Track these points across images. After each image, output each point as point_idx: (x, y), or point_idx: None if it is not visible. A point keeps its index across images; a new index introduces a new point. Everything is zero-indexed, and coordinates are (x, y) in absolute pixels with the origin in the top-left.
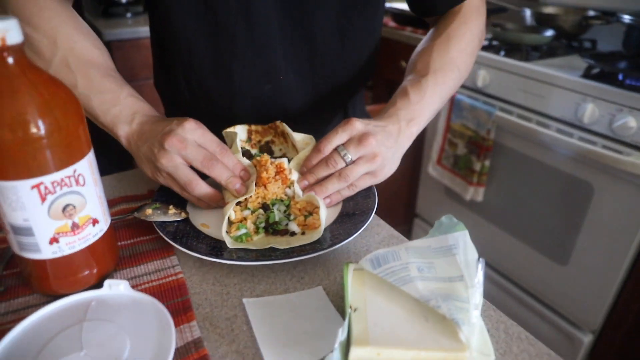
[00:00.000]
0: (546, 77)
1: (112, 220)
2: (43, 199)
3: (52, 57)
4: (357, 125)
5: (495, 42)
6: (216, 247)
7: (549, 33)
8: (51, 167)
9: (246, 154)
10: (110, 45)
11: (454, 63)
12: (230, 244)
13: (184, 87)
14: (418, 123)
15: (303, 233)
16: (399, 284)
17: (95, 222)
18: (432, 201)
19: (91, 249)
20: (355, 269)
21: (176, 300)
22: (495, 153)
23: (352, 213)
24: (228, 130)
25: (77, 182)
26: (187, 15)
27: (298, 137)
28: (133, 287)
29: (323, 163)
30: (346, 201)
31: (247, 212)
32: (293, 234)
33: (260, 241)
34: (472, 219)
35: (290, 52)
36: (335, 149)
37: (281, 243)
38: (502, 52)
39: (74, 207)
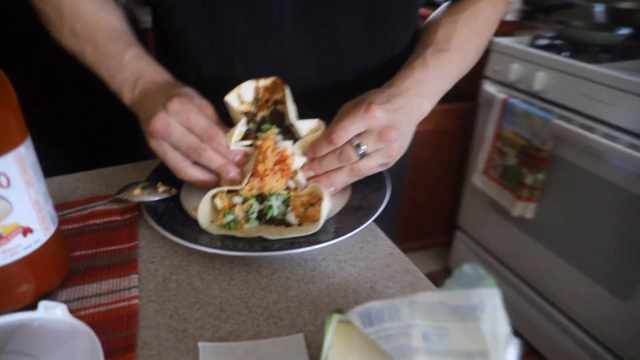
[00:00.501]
0: (617, 82)
1: (89, 207)
2: None
3: (62, 28)
4: (379, 114)
5: (558, 41)
6: (201, 233)
7: (624, 31)
8: None
9: (251, 121)
10: (147, 33)
11: (475, 43)
12: (215, 231)
13: (183, 81)
14: (432, 102)
15: (300, 224)
16: (395, 354)
17: (27, 231)
18: (476, 214)
19: (25, 262)
20: (340, 321)
21: (120, 335)
22: (551, 166)
23: (357, 206)
24: (230, 97)
25: None
26: None
27: (303, 127)
28: (77, 310)
29: (334, 155)
30: (354, 192)
31: (238, 199)
32: (288, 224)
33: (250, 229)
34: (520, 238)
35: (306, 41)
36: (349, 141)
37: (273, 233)
38: (566, 53)
39: None
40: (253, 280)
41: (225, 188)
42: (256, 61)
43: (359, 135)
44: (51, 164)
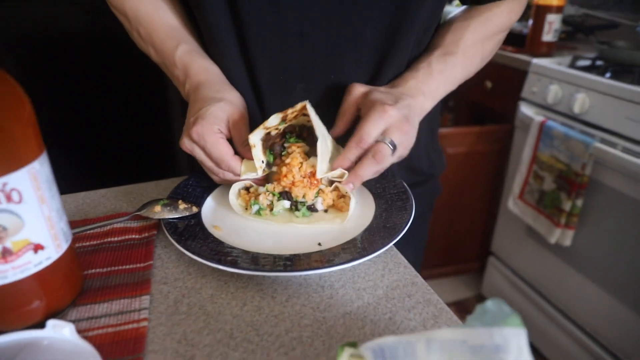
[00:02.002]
0: None
1: (109, 224)
2: None
3: (131, 31)
4: (393, 113)
5: (599, 62)
6: (220, 252)
7: None
8: None
9: (275, 140)
10: None
11: (482, 50)
12: (249, 217)
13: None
14: (433, 102)
15: (326, 211)
16: None
17: (38, 248)
18: (511, 240)
19: (35, 279)
20: (352, 356)
21: (126, 358)
22: (591, 191)
23: (382, 225)
24: (255, 134)
25: (8, 198)
26: None
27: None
28: (85, 330)
29: (370, 160)
30: (378, 209)
31: (262, 189)
32: (315, 210)
33: (280, 216)
34: (557, 266)
35: (332, 42)
36: (381, 140)
37: (302, 220)
38: (608, 74)
39: (4, 229)
40: (266, 307)
41: (243, 183)
42: (277, 63)
43: (382, 134)
44: (81, 178)
